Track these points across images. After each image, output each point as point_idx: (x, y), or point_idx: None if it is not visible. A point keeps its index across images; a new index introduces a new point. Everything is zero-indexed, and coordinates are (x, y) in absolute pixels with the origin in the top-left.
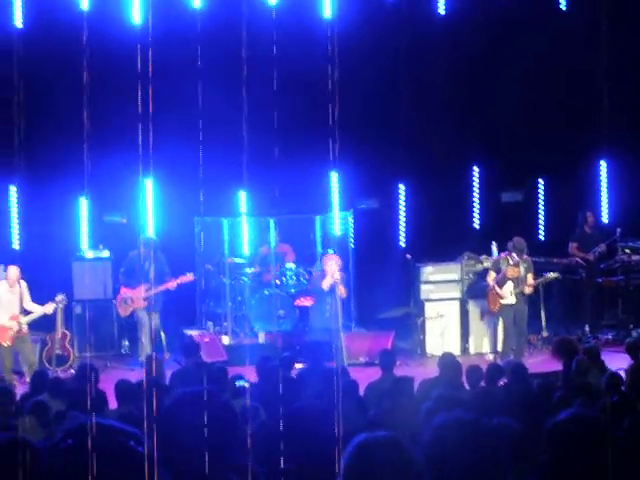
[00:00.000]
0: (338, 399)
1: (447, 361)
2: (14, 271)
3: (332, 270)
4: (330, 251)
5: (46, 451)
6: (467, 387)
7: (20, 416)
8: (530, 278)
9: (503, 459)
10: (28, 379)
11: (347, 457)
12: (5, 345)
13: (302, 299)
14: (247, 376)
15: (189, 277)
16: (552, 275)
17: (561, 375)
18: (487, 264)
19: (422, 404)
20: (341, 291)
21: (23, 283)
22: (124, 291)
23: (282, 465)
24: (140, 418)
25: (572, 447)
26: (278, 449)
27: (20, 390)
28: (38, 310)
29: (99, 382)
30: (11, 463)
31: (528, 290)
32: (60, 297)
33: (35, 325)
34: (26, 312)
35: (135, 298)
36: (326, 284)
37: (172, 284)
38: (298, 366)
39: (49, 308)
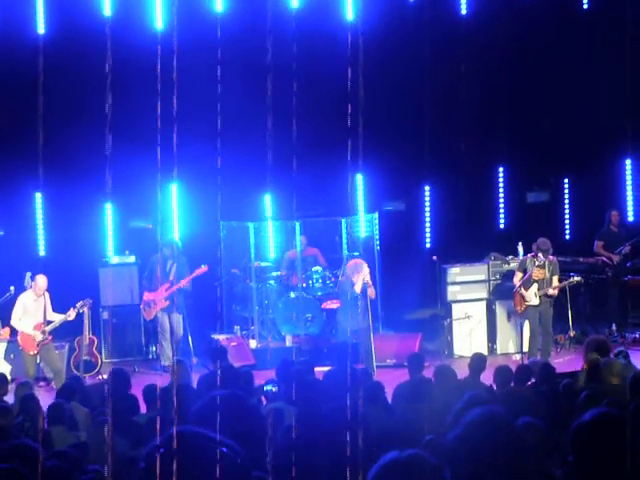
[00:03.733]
0: (363, 401)
1: (474, 361)
2: (43, 280)
3: (365, 273)
4: (356, 254)
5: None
6: (494, 387)
7: (47, 422)
8: (555, 280)
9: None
10: (55, 385)
11: (373, 477)
12: (31, 353)
13: (329, 302)
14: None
15: (203, 269)
16: (575, 279)
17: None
18: (513, 264)
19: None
20: (372, 293)
21: (47, 293)
22: (146, 295)
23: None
24: (168, 422)
25: (597, 448)
26: (303, 452)
27: (46, 396)
28: (60, 318)
29: (130, 387)
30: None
31: (550, 292)
32: (80, 303)
33: (63, 332)
34: (48, 322)
35: (157, 300)
36: (359, 288)
37: (186, 280)
38: (319, 369)
39: (71, 314)
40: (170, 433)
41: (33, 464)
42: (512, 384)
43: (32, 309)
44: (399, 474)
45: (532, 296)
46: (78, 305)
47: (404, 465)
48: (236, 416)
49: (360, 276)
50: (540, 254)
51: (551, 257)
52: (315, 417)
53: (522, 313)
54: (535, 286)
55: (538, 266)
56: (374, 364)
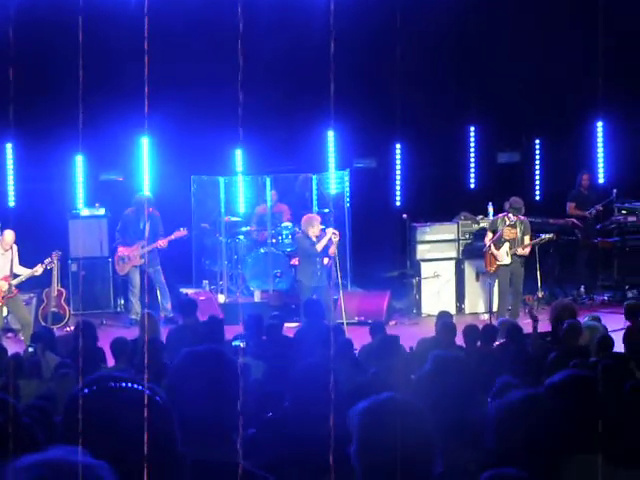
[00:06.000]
0: (334, 357)
1: (444, 321)
2: (11, 235)
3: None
4: (326, 211)
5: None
6: (463, 346)
7: (14, 373)
8: (527, 239)
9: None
10: (22, 337)
11: (358, 423)
12: None
13: (297, 258)
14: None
15: (182, 232)
16: (547, 236)
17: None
18: (483, 224)
19: (420, 363)
20: (332, 250)
21: (14, 247)
22: (121, 250)
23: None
24: (137, 374)
25: (568, 408)
26: (277, 405)
27: (14, 347)
28: (26, 272)
29: (97, 339)
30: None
31: (522, 251)
32: (48, 260)
33: (32, 283)
34: (15, 275)
35: (132, 256)
36: (320, 246)
37: (165, 241)
38: (289, 325)
39: (38, 270)
40: (92, 376)
41: (8, 417)
42: (479, 343)
43: None
44: (381, 415)
45: (504, 255)
46: (46, 261)
47: (384, 406)
48: (215, 372)
49: (315, 230)
50: (510, 213)
51: (522, 217)
52: (286, 372)
53: (493, 273)
54: (507, 245)
55: (509, 225)
56: (344, 321)
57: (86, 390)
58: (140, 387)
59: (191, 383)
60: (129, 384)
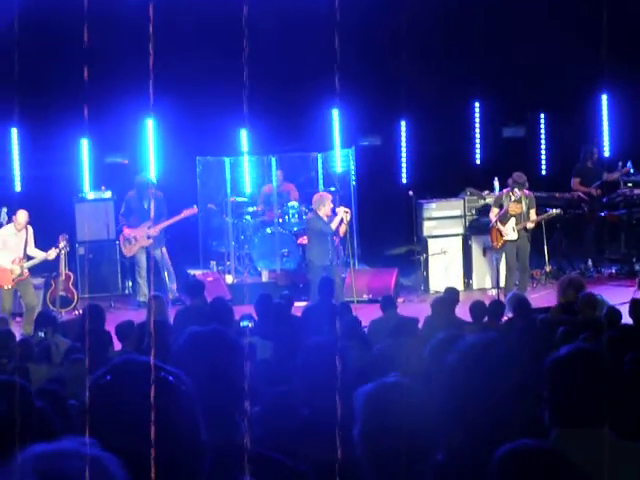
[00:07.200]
0: (343, 335)
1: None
2: (24, 215)
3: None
4: (332, 190)
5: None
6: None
7: (22, 357)
8: (533, 214)
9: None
10: (24, 322)
11: (363, 405)
12: (6, 288)
13: (305, 237)
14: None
15: (193, 210)
16: (554, 212)
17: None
18: (489, 200)
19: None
20: (343, 230)
21: (30, 228)
22: (127, 231)
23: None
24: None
25: (573, 382)
26: (286, 387)
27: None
28: (40, 256)
29: (105, 322)
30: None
31: (530, 226)
32: (62, 244)
33: (39, 267)
34: (28, 257)
35: (139, 237)
36: (334, 225)
37: (176, 218)
38: (299, 304)
39: (51, 254)
40: (114, 362)
41: (20, 401)
42: (486, 319)
43: (12, 243)
44: (385, 399)
45: (510, 231)
46: (60, 246)
47: (391, 389)
48: (218, 353)
49: (327, 209)
50: (516, 188)
51: (527, 191)
52: (295, 352)
53: (500, 248)
54: (513, 221)
55: (514, 201)
56: (355, 299)
57: (108, 377)
58: (165, 375)
59: (193, 363)
60: (153, 371)
